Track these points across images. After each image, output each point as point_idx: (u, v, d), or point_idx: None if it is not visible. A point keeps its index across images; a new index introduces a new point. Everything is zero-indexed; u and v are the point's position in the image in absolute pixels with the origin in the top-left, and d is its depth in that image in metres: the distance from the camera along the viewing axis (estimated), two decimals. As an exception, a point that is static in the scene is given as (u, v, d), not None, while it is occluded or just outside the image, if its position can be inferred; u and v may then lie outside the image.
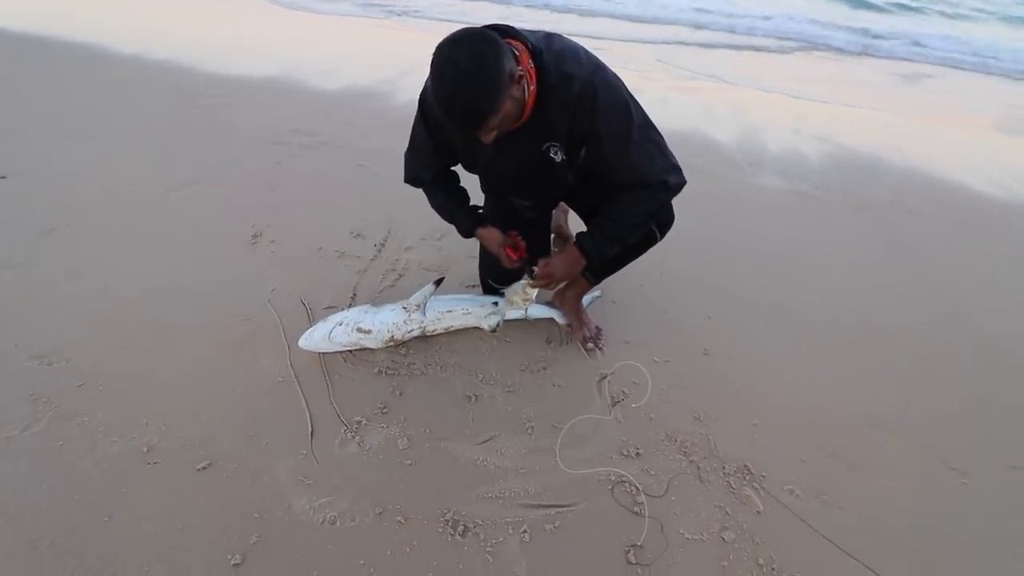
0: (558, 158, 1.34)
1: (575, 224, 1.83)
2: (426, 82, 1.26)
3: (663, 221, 1.48)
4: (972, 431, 1.59)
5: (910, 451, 1.51)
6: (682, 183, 1.35)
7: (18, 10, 5.31)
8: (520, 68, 1.14)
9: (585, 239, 1.43)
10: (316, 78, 4.04)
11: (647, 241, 1.51)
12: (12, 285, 1.81)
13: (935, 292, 2.20)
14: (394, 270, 2.01)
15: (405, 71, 4.25)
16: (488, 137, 1.18)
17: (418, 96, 1.40)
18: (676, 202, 1.44)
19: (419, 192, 1.59)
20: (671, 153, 1.34)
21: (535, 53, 1.21)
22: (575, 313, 1.74)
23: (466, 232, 1.59)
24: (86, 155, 2.68)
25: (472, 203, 1.61)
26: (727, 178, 3.00)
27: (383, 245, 2.14)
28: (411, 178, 1.56)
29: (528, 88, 1.19)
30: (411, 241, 2.18)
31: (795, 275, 2.20)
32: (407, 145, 1.51)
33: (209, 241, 2.10)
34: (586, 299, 1.80)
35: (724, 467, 1.40)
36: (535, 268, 1.47)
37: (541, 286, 1.52)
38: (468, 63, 1.07)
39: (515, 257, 1.52)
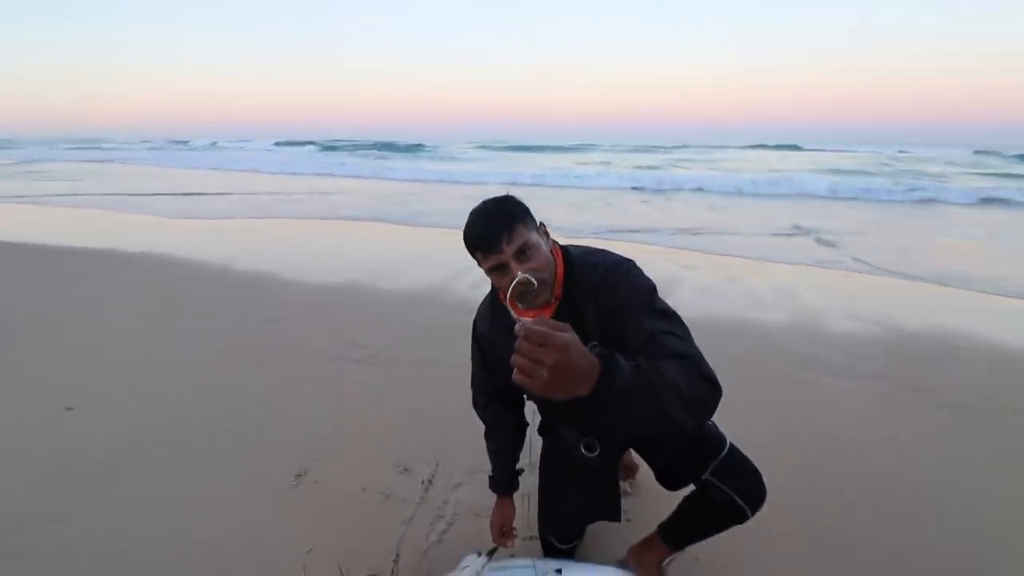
0: None
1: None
2: (478, 309, 1.38)
3: (754, 498, 1.25)
4: None
5: None
6: (717, 383, 0.92)
7: (96, 230, 6.20)
8: (549, 240, 1.20)
9: (608, 355, 0.80)
10: (373, 286, 4.34)
11: (733, 515, 1.28)
12: (52, 545, 1.71)
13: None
14: (442, 516, 1.82)
15: (456, 274, 4.54)
16: (516, 257, 1.09)
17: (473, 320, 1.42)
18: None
19: (468, 414, 1.56)
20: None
21: (559, 246, 1.24)
22: (655, 582, 1.47)
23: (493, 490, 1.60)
24: (149, 385, 2.77)
25: (513, 465, 1.57)
26: (787, 377, 2.82)
27: (430, 483, 1.98)
28: (474, 405, 1.58)
29: (556, 263, 1.18)
30: (461, 476, 2.02)
31: (905, 509, 1.86)
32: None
33: (249, 483, 1.99)
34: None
35: None
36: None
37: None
38: (499, 202, 1.16)
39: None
